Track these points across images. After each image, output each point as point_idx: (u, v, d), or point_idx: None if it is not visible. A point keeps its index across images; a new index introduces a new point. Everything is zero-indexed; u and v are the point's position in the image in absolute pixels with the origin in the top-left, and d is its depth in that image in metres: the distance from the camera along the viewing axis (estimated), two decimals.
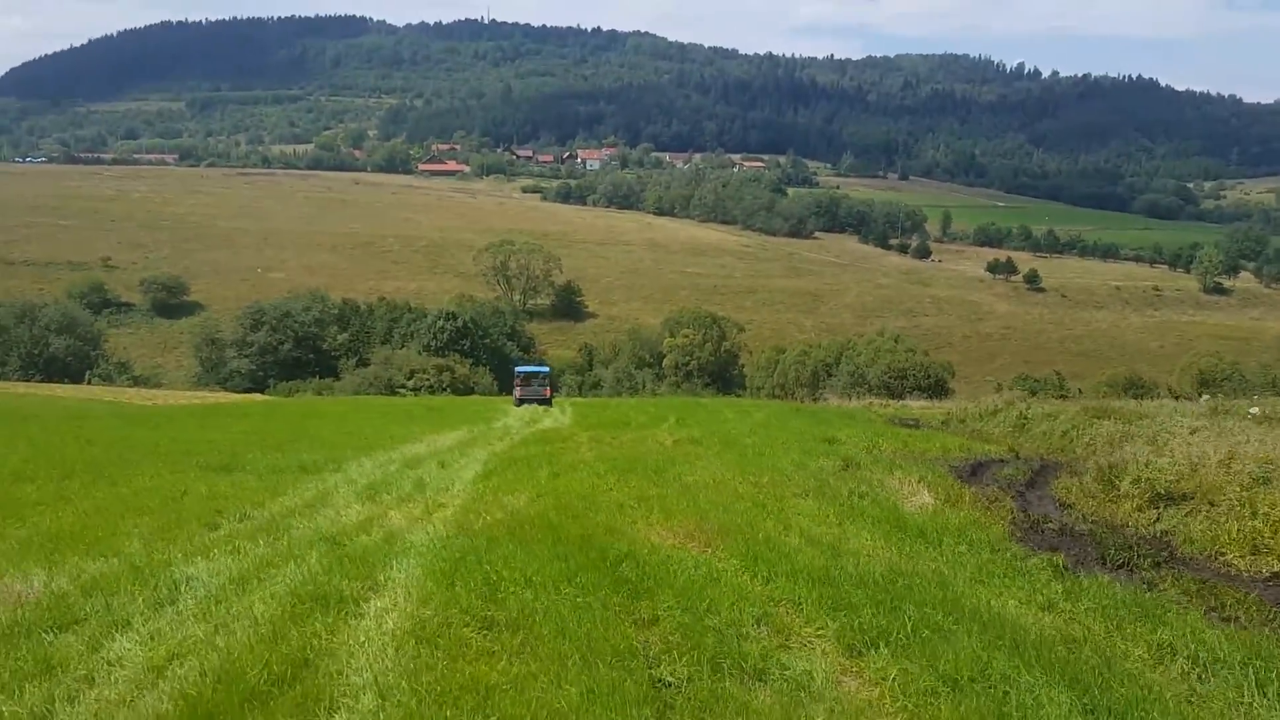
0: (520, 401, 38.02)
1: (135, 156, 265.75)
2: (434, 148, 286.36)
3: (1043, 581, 7.90)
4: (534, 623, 6.23)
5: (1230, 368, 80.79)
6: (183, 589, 7.27)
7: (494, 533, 9.06)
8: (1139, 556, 9.25)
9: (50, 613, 6.67)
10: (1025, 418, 27.10)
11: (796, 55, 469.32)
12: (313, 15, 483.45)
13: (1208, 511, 10.76)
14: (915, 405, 50.42)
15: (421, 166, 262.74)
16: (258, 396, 56.50)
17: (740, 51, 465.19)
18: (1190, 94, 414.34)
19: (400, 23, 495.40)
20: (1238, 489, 10.65)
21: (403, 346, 69.96)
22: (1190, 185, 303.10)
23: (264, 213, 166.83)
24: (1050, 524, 11.38)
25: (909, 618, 6.44)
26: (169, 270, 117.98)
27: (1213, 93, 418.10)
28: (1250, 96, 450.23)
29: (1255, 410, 18.64)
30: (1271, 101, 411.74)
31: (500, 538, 8.73)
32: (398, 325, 78.59)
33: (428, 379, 58.30)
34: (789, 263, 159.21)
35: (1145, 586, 8.18)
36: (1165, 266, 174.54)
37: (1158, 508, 11.39)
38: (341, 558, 7.97)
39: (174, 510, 10.90)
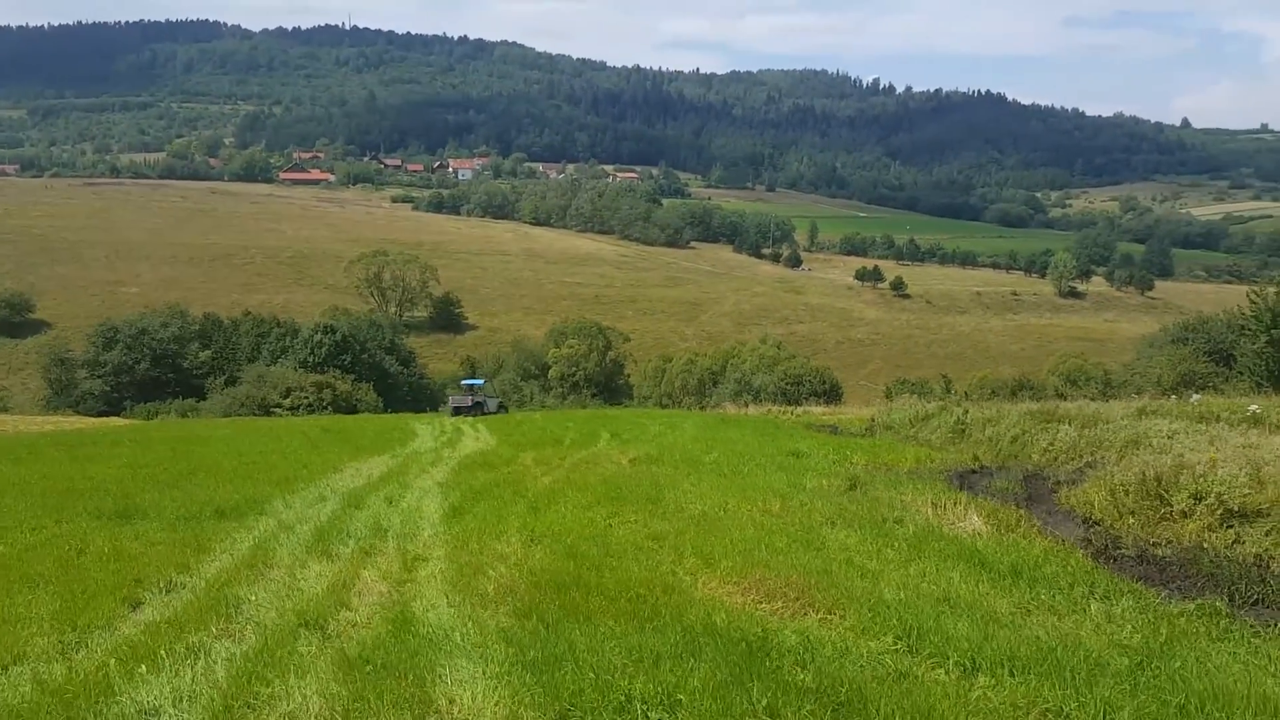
0: (457, 411, 41.60)
1: None
2: (296, 156, 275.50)
3: (1251, 641, 6.35)
4: None
5: (1095, 368, 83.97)
6: None
7: (526, 603, 7.05)
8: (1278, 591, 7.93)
9: None
10: (964, 423, 26.21)
11: (664, 69, 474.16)
12: (163, 20, 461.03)
13: None
14: (816, 410, 49.86)
15: (283, 175, 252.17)
16: (116, 420, 51.64)
17: (609, 64, 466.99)
18: (1036, 108, 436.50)
19: (256, 28, 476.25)
20: None
21: (274, 363, 65.60)
22: (1038, 195, 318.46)
23: (114, 224, 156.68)
24: (1124, 550, 10.04)
25: None
26: (12, 286, 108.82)
27: (1057, 106, 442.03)
28: (1091, 110, 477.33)
29: (1255, 408, 17.99)
30: (1111, 115, 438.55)
31: (546, 613, 6.71)
32: (266, 341, 73.99)
33: (306, 397, 54.43)
34: (667, 272, 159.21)
35: None
36: (1021, 272, 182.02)
37: (1232, 526, 10.18)
38: (356, 663, 5.79)
39: (76, 578, 8.42)
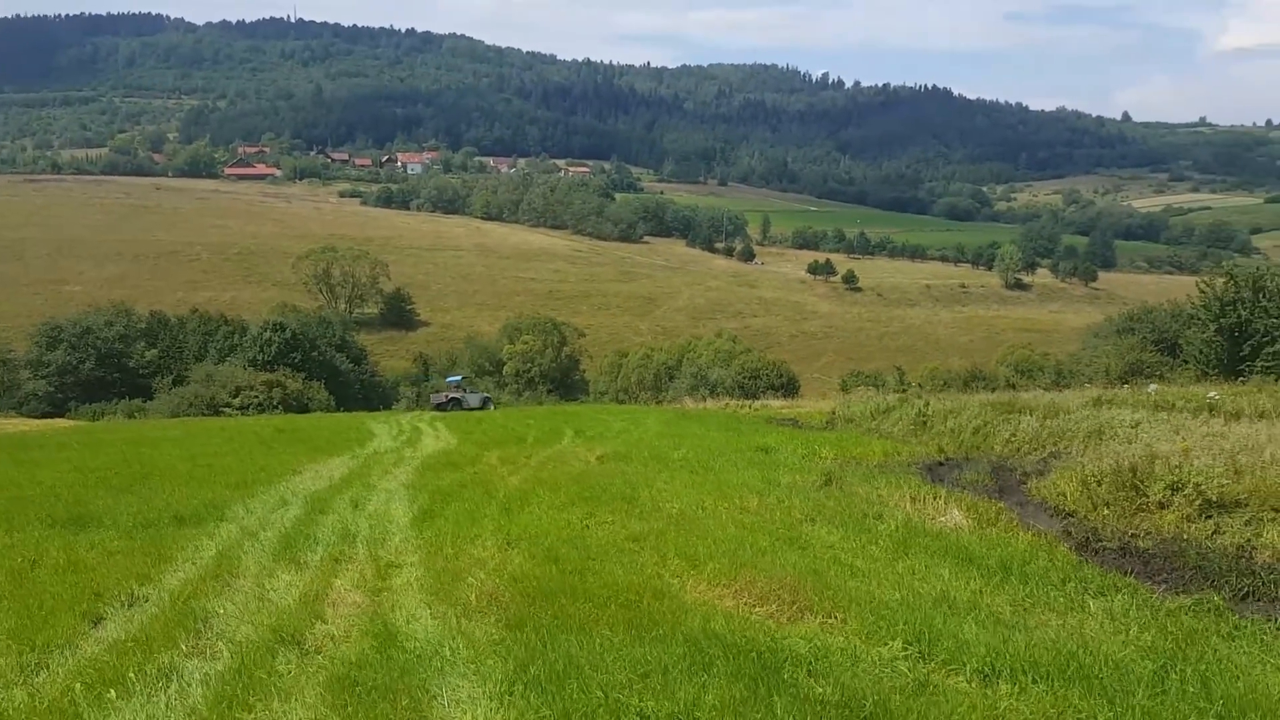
0: (439, 406, 45.35)
1: None
2: (241, 150, 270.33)
3: (1263, 639, 6.27)
4: None
5: (1043, 358, 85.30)
6: None
7: (515, 613, 6.77)
8: (1267, 584, 7.90)
9: None
10: (925, 415, 26.31)
11: (615, 62, 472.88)
12: (104, 13, 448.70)
13: (1276, 520, 9.62)
14: (775, 404, 50.03)
15: (228, 170, 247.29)
16: (61, 422, 50.19)
17: (559, 57, 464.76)
18: (981, 102, 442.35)
19: (200, 20, 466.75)
20: None
21: (222, 361, 64.20)
22: (984, 189, 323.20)
23: (56, 221, 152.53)
24: (1104, 542, 10.01)
25: None
26: None
27: (1001, 101, 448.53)
28: (1035, 104, 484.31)
29: (1214, 395, 18.18)
30: (1054, 109, 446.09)
31: (540, 624, 6.44)
32: (214, 339, 72.42)
33: (256, 396, 53.27)
34: (621, 267, 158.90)
35: None
36: (969, 265, 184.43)
37: (1211, 517, 10.20)
38: (344, 683, 5.46)
39: (31, 592, 7.97)
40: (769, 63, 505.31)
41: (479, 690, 5.34)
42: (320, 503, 12.51)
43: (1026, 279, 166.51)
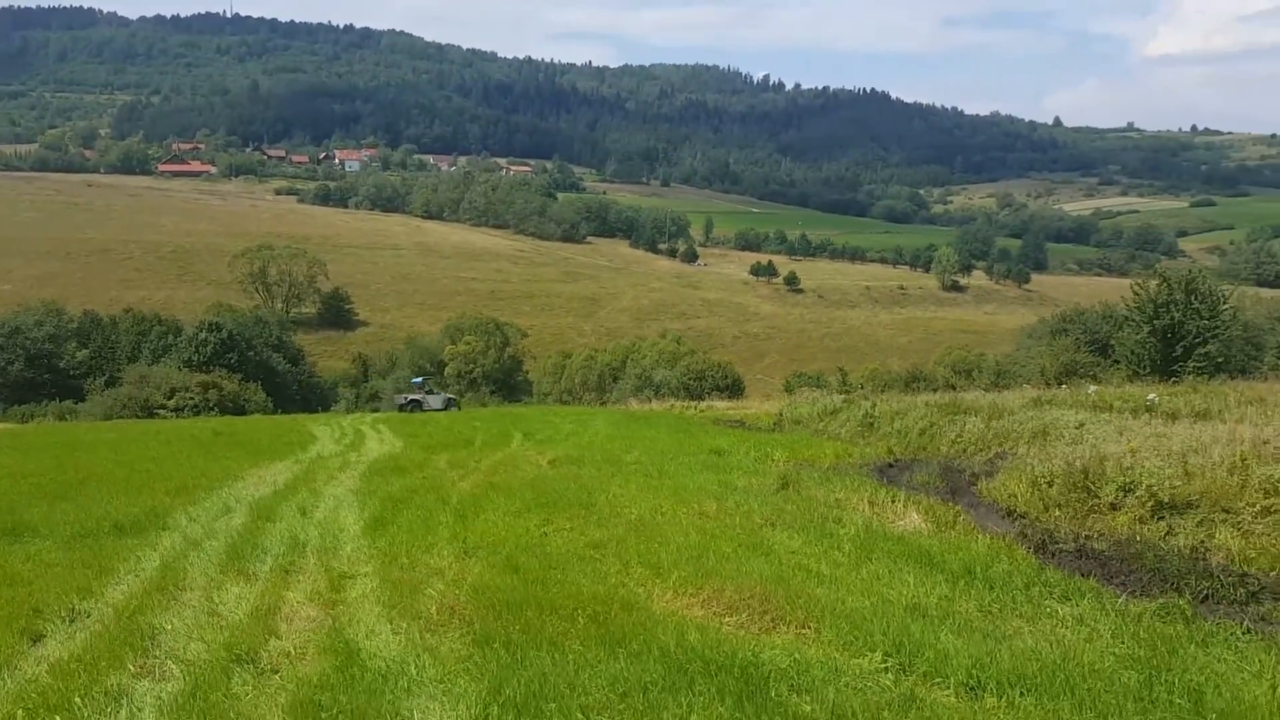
0: (401, 407, 46.25)
1: None
2: (175, 147, 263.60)
3: (1238, 645, 6.29)
4: None
5: (978, 358, 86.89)
6: None
7: (481, 628, 6.57)
8: (1226, 586, 8.01)
9: None
10: (872, 416, 26.53)
11: (556, 60, 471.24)
12: (34, 5, 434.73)
13: (1227, 521, 9.79)
14: (720, 405, 50.22)
15: (162, 167, 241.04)
16: None
17: (500, 55, 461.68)
18: (918, 106, 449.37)
19: (133, 15, 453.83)
20: (1259, 495, 9.75)
21: (156, 362, 62.60)
22: (921, 192, 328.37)
23: None
24: (1060, 545, 10.10)
25: None
26: None
27: (938, 105, 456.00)
28: (970, 108, 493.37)
29: (1153, 397, 18.52)
30: (988, 113, 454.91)
31: (510, 639, 6.23)
32: (147, 339, 70.65)
33: (192, 398, 51.98)
34: (564, 267, 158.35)
35: None
36: (907, 267, 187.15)
37: (1163, 518, 10.35)
38: (307, 707, 5.21)
39: None
40: (710, 64, 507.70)
41: (451, 714, 5.13)
42: (266, 510, 12.13)
43: (963, 281, 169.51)
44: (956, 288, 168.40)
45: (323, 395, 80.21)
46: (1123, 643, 6.25)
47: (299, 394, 72.38)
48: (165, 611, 7.46)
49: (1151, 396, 18.59)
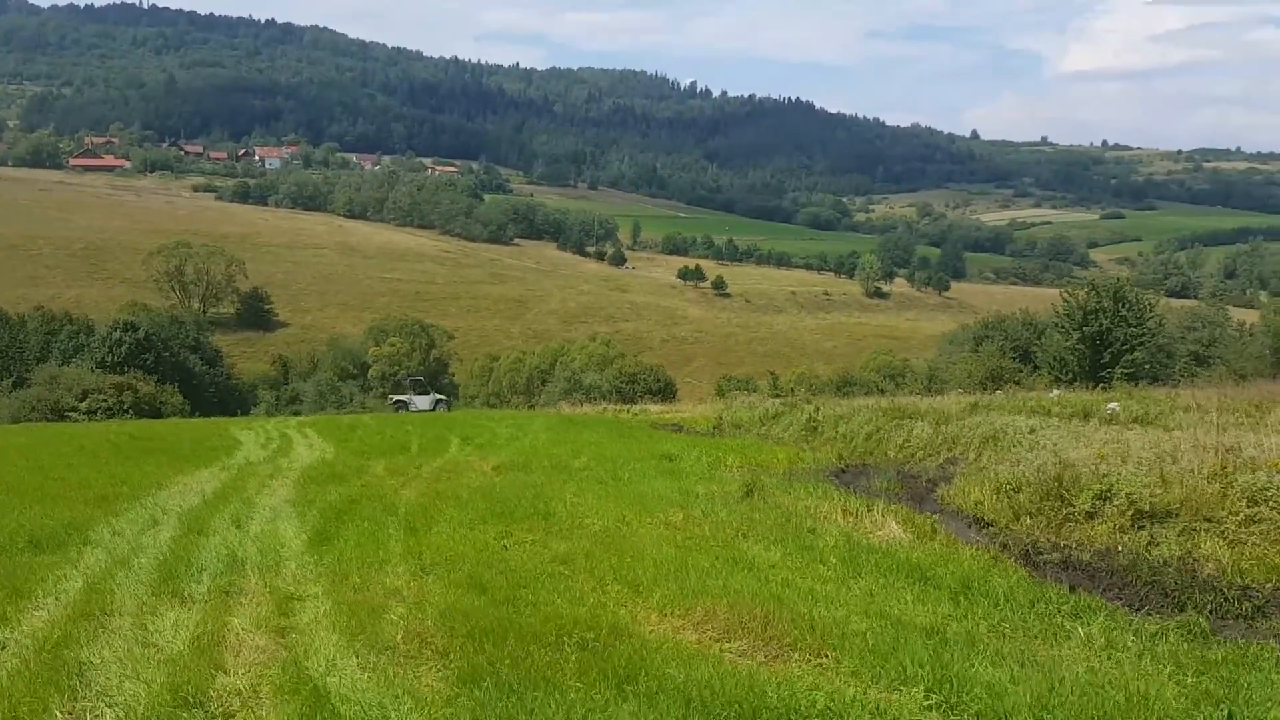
0: (398, 407, 45.18)
1: None
2: (87, 141, 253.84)
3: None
4: None
5: (903, 364, 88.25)
6: None
7: (457, 661, 5.89)
8: (1230, 600, 7.73)
9: None
10: (816, 420, 26.32)
11: (483, 61, 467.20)
12: None
13: (1211, 530, 9.58)
14: (654, 409, 49.76)
15: (73, 161, 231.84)
16: None
17: (425, 54, 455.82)
18: (841, 116, 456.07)
19: (44, 2, 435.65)
20: (1243, 503, 9.56)
21: (67, 363, 59.86)
22: (844, 200, 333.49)
23: None
24: (1045, 556, 9.79)
25: None
26: None
27: (860, 116, 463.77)
28: (891, 120, 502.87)
29: (1114, 406, 18.51)
30: (909, 125, 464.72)
31: (500, 675, 5.57)
32: (57, 339, 67.64)
33: (105, 400, 49.65)
34: (491, 269, 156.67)
35: None
36: (831, 273, 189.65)
37: (1144, 528, 10.12)
38: None
39: None
40: (638, 68, 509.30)
41: None
42: (197, 522, 11.20)
43: (885, 288, 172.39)
44: (880, 294, 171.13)
45: (241, 398, 77.77)
46: (1167, 670, 5.83)
47: (216, 397, 70.01)
48: (93, 643, 6.62)
49: (1112, 405, 18.57)
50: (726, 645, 6.29)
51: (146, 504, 12.66)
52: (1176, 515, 10.08)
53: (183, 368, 67.17)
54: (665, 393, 61.72)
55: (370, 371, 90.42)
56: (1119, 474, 10.97)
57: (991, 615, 7.02)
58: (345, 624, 6.95)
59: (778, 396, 50.25)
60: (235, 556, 9.34)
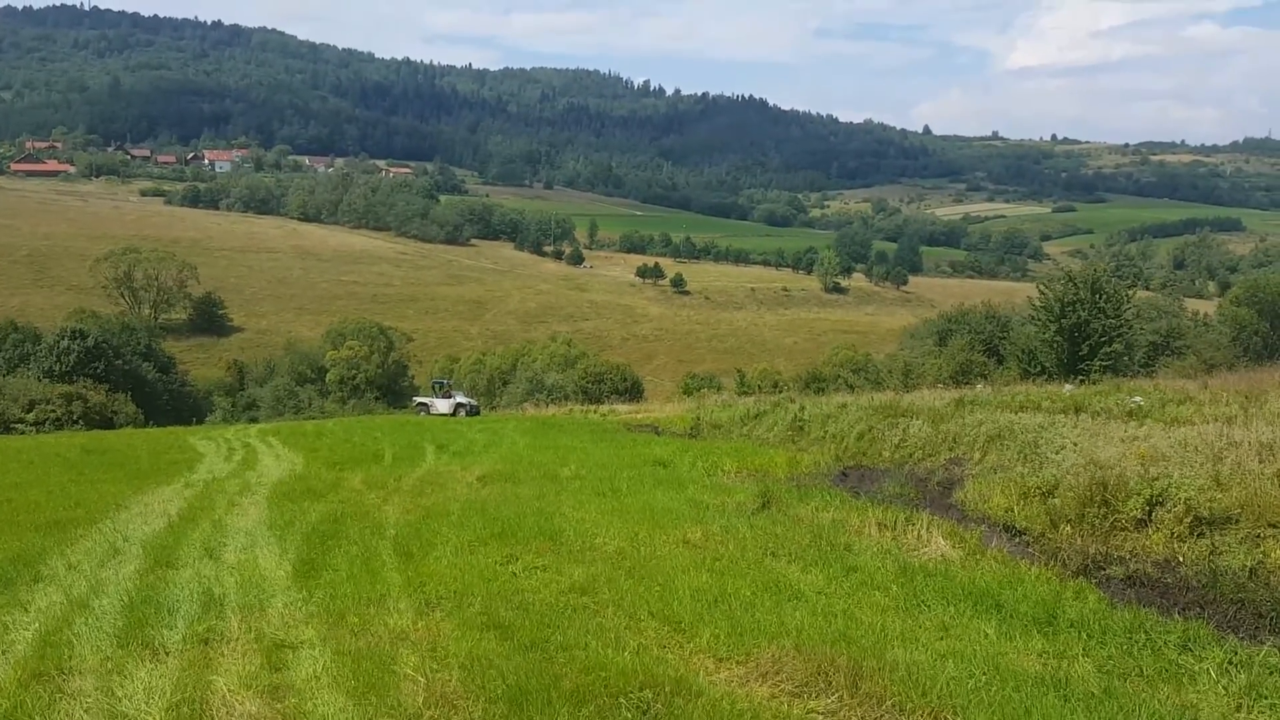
0: (420, 409, 44.55)
1: None
2: (29, 146, 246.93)
3: None
4: None
5: (865, 359, 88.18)
6: None
7: None
8: None
9: None
10: (801, 420, 25.49)
11: (436, 62, 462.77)
12: None
13: (1278, 536, 8.86)
14: (622, 409, 48.86)
15: (15, 166, 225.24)
16: None
17: (377, 55, 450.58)
18: (795, 113, 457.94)
19: None
20: None
21: (12, 373, 57.76)
22: (800, 196, 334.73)
23: None
24: (1106, 571, 9.00)
25: None
26: None
27: (813, 113, 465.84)
28: (844, 116, 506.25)
29: (1139, 399, 17.80)
30: (862, 121, 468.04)
31: None
32: (2, 348, 65.36)
33: (54, 411, 47.82)
34: (449, 270, 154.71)
35: None
36: (789, 269, 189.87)
37: (1204, 535, 9.37)
38: None
39: None
40: (592, 68, 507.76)
41: None
42: (164, 552, 10.05)
43: (844, 283, 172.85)
44: (838, 289, 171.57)
45: (196, 405, 75.63)
46: None
47: (170, 404, 67.96)
48: (51, 712, 5.55)
49: (1136, 399, 17.86)
50: (812, 705, 5.37)
51: (105, 530, 11.49)
52: (1237, 521, 9.35)
53: (135, 375, 65.21)
54: (633, 392, 60.79)
55: (328, 375, 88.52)
56: (1171, 476, 10.20)
57: (1094, 652, 6.19)
58: (351, 682, 5.94)
59: (746, 394, 49.60)
60: (211, 594, 8.25)
